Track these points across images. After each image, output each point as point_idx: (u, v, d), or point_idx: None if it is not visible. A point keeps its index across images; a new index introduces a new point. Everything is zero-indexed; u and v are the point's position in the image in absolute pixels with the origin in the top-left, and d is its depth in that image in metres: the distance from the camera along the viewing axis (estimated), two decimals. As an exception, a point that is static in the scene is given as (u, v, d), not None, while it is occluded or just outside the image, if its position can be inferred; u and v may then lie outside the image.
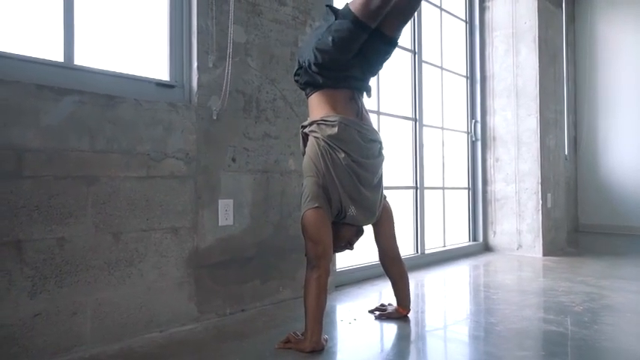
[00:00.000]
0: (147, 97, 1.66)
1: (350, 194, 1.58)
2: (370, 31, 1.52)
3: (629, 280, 2.54)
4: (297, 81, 1.67)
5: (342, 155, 1.54)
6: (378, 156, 1.69)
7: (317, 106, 1.61)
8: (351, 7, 1.50)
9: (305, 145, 1.64)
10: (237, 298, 1.90)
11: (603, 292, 2.23)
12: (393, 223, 1.83)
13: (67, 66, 1.50)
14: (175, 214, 1.70)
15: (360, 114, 1.63)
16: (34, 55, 1.43)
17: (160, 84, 1.74)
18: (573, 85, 5.34)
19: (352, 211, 1.61)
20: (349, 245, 1.73)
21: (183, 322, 1.71)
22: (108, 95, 1.53)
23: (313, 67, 1.56)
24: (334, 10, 1.58)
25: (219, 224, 1.84)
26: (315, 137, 1.57)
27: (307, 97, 1.66)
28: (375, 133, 1.68)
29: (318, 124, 1.57)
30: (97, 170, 1.49)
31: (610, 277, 2.59)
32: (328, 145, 1.54)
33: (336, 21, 1.52)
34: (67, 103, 1.43)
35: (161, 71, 1.78)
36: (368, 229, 1.79)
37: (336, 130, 1.54)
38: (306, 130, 1.62)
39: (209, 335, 1.64)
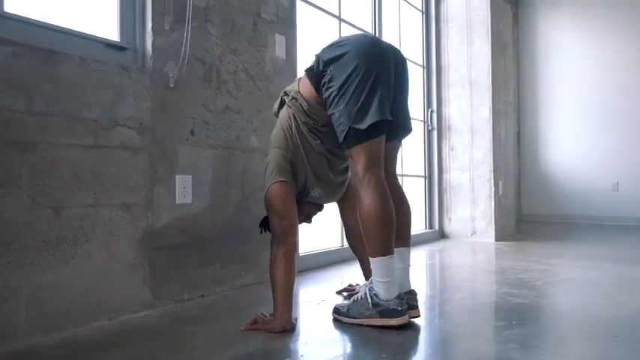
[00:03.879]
0: (95, 57, 1.48)
1: (317, 177, 1.53)
2: None
3: (578, 259, 2.67)
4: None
5: (318, 142, 1.49)
6: None
7: (310, 89, 1.47)
8: None
9: (280, 108, 1.54)
10: (196, 283, 1.76)
11: (558, 270, 2.32)
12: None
13: (-3, 13, 1.29)
14: (127, 189, 1.53)
15: None
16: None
17: (110, 45, 1.56)
18: (517, 82, 5.62)
19: (316, 192, 1.57)
20: (307, 219, 1.69)
21: (136, 308, 1.54)
22: (49, 50, 1.34)
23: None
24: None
25: (177, 202, 1.68)
26: (293, 113, 1.48)
27: (312, 71, 1.46)
28: None
29: (302, 107, 1.47)
30: (34, 135, 1.30)
31: (561, 257, 2.71)
32: (307, 128, 1.48)
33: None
34: (-3, 54, 1.23)
35: (110, 31, 1.59)
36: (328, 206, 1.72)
37: (319, 124, 1.47)
38: (288, 100, 1.51)
39: (166, 321, 1.49)
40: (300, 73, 2.35)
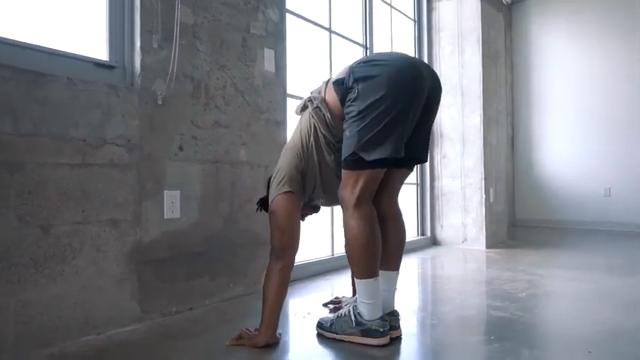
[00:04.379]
0: (83, 77, 1.51)
1: (325, 189, 1.53)
2: None
3: (564, 268, 2.70)
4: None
5: (332, 157, 1.47)
6: None
7: (335, 101, 1.44)
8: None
9: (302, 110, 1.52)
10: (185, 296, 1.79)
11: (544, 280, 2.35)
12: None
13: (-14, 37, 1.32)
14: (115, 206, 1.56)
15: None
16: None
17: (99, 64, 1.59)
18: (511, 88, 5.66)
19: (320, 201, 1.60)
20: (301, 218, 1.67)
21: (125, 322, 1.57)
22: (36, 72, 1.37)
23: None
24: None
25: (165, 217, 1.72)
26: (314, 124, 1.45)
27: (341, 85, 1.42)
28: None
29: (325, 118, 1.44)
30: (22, 156, 1.33)
31: (547, 266, 2.74)
32: (325, 141, 1.46)
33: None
34: (-14, 78, 1.26)
35: (99, 50, 1.63)
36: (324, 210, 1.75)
37: (336, 139, 1.46)
38: (312, 109, 1.45)
39: (154, 335, 1.52)
40: (290, 85, 2.40)
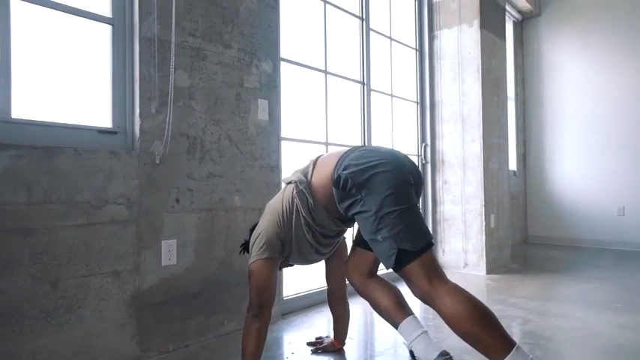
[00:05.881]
0: (88, 145, 1.71)
1: (302, 256, 1.65)
2: None
3: (559, 301, 2.74)
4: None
5: (310, 235, 1.58)
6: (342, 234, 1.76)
7: (325, 184, 1.52)
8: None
9: (288, 183, 1.62)
10: (181, 334, 1.97)
11: (529, 317, 2.41)
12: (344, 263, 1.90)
13: (5, 120, 1.54)
14: (116, 258, 1.75)
15: None
16: (-31, 112, 1.47)
17: (102, 131, 1.79)
18: (522, 106, 5.65)
19: (295, 263, 1.74)
20: (279, 268, 1.80)
21: (124, 362, 1.76)
22: (45, 147, 1.57)
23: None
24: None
25: (162, 264, 1.90)
26: (297, 204, 1.55)
27: (343, 191, 1.44)
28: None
29: (308, 204, 1.54)
30: (34, 222, 1.54)
31: (542, 299, 2.79)
32: (304, 222, 1.55)
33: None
34: (3, 158, 1.47)
35: (104, 118, 1.83)
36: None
37: (316, 223, 1.57)
38: (296, 192, 1.55)
39: (149, 376, 1.70)
40: (286, 128, 2.56)
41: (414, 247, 1.34)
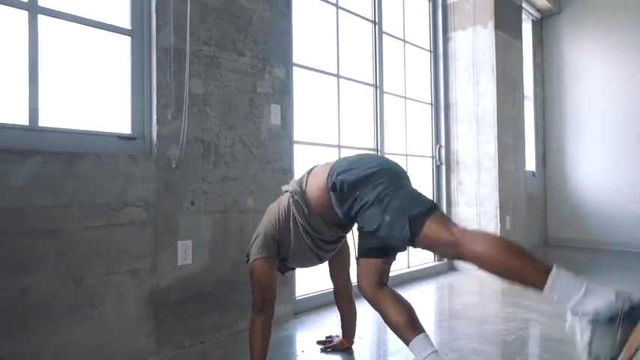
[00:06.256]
0: (108, 150, 1.81)
1: (304, 261, 1.74)
2: None
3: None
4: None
5: (309, 241, 1.66)
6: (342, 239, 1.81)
7: (318, 195, 1.60)
8: None
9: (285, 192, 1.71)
10: (196, 331, 2.05)
11: (541, 319, 2.41)
12: (348, 264, 1.94)
13: (32, 128, 1.65)
14: (135, 258, 1.85)
15: None
16: (1, 121, 1.58)
17: (122, 137, 1.89)
18: (541, 105, 5.56)
19: (294, 266, 1.84)
20: (282, 273, 1.91)
21: (143, 357, 1.85)
22: (70, 153, 1.68)
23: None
24: None
25: (179, 264, 1.99)
26: (294, 212, 1.63)
27: (340, 193, 1.51)
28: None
29: (303, 211, 1.62)
30: (59, 223, 1.64)
31: (558, 305, 2.77)
32: (302, 228, 1.63)
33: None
34: (31, 164, 1.58)
35: (124, 125, 1.93)
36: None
37: (315, 230, 1.64)
38: (292, 201, 1.63)
39: (165, 370, 1.79)
40: (299, 132, 2.62)
41: (422, 208, 1.36)
